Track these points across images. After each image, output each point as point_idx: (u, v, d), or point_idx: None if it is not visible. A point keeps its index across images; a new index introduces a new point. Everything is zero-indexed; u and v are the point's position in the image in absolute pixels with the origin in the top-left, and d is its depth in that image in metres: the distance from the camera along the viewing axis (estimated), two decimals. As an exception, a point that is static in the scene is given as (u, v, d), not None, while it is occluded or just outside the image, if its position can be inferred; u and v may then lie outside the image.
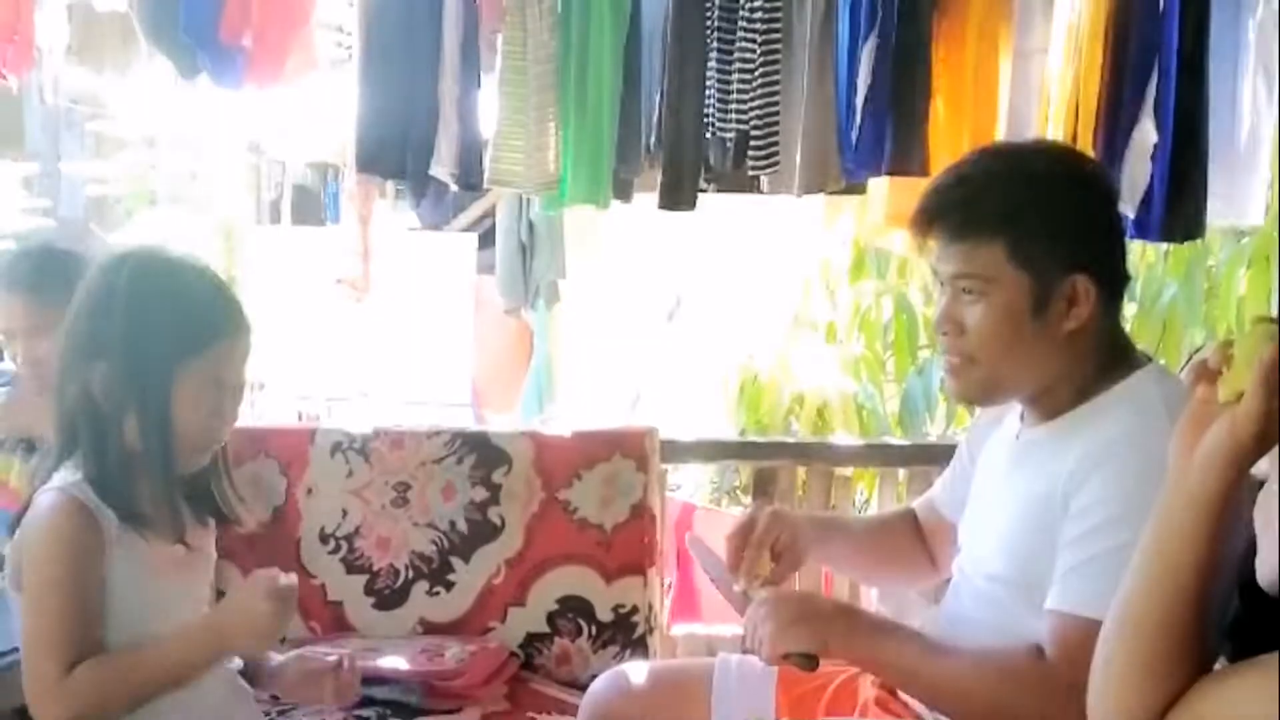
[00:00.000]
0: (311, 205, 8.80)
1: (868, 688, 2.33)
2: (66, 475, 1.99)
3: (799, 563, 2.36)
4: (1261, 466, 1.40)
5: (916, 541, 2.51)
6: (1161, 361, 2.41)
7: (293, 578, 2.04)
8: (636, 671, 2.54)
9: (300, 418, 5.07)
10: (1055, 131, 3.16)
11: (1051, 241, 2.02)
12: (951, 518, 2.38)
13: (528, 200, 5.20)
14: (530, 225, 7.22)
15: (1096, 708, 1.49)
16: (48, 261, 2.67)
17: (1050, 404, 2.10)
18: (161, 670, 1.99)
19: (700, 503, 5.31)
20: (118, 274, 2.00)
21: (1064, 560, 1.95)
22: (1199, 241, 3.73)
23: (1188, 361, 2.47)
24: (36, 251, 2.77)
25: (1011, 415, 2.23)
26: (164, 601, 2.05)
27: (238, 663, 2.19)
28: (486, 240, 7.82)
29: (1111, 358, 2.09)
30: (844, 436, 5.05)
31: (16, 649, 2.03)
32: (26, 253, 2.79)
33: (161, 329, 1.97)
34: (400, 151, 3.51)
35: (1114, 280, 2.09)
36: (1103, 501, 1.92)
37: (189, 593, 2.11)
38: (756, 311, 6.16)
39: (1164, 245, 4.49)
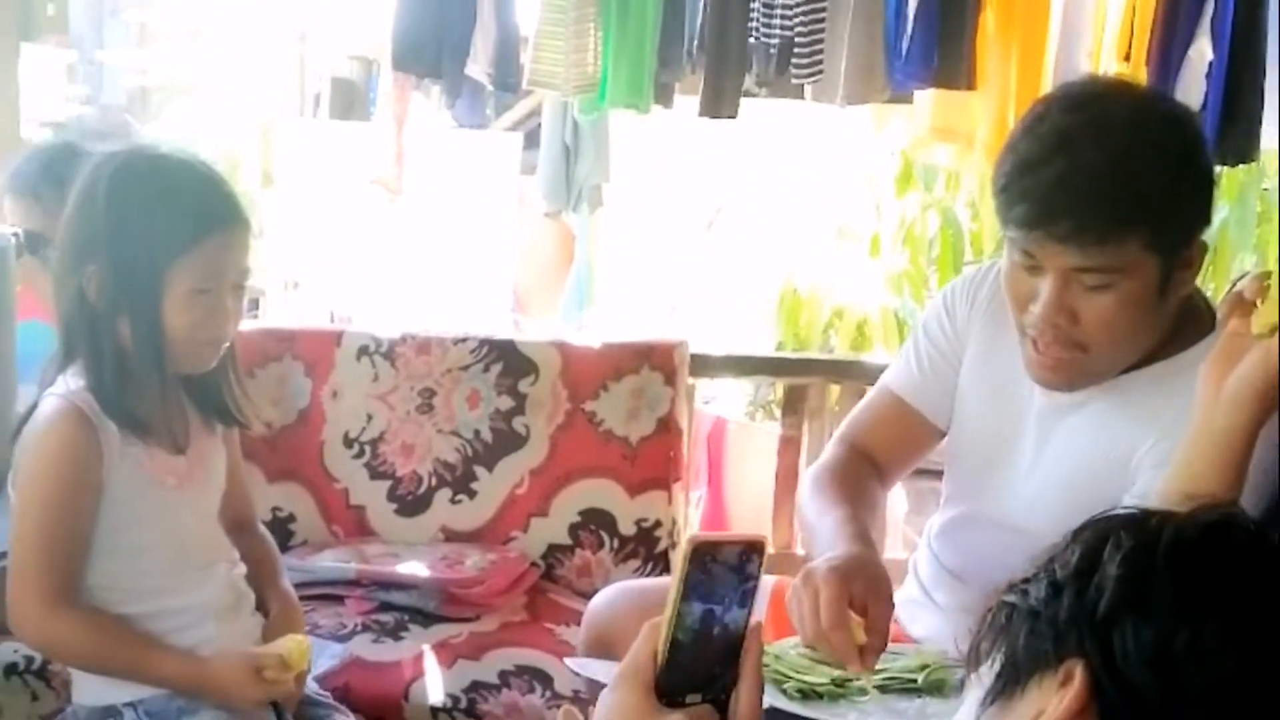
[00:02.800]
0: (355, 99, 8.74)
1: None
2: (71, 382, 1.98)
3: (888, 597, 1.85)
4: None
5: (879, 483, 2.23)
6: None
7: (287, 671, 2.00)
8: (637, 588, 2.49)
9: (333, 318, 5.03)
10: (1110, 48, 3.09)
11: (1186, 219, 1.84)
12: (933, 419, 2.17)
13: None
14: (575, 126, 7.14)
15: None
16: (53, 165, 2.61)
17: None
18: (136, 670, 2.00)
19: (734, 417, 5.26)
20: (101, 174, 1.97)
21: None
22: (1254, 164, 3.65)
23: (1230, 290, 2.39)
24: (46, 154, 2.73)
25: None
26: (163, 511, 2.04)
27: (242, 568, 2.19)
28: (533, 140, 7.75)
29: (1188, 311, 1.93)
30: (880, 354, 4.99)
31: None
32: (37, 155, 2.75)
33: (147, 228, 1.94)
34: (436, 50, 3.45)
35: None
36: None
37: (191, 502, 2.09)
38: (799, 223, 6.08)
39: (1216, 167, 4.39)
